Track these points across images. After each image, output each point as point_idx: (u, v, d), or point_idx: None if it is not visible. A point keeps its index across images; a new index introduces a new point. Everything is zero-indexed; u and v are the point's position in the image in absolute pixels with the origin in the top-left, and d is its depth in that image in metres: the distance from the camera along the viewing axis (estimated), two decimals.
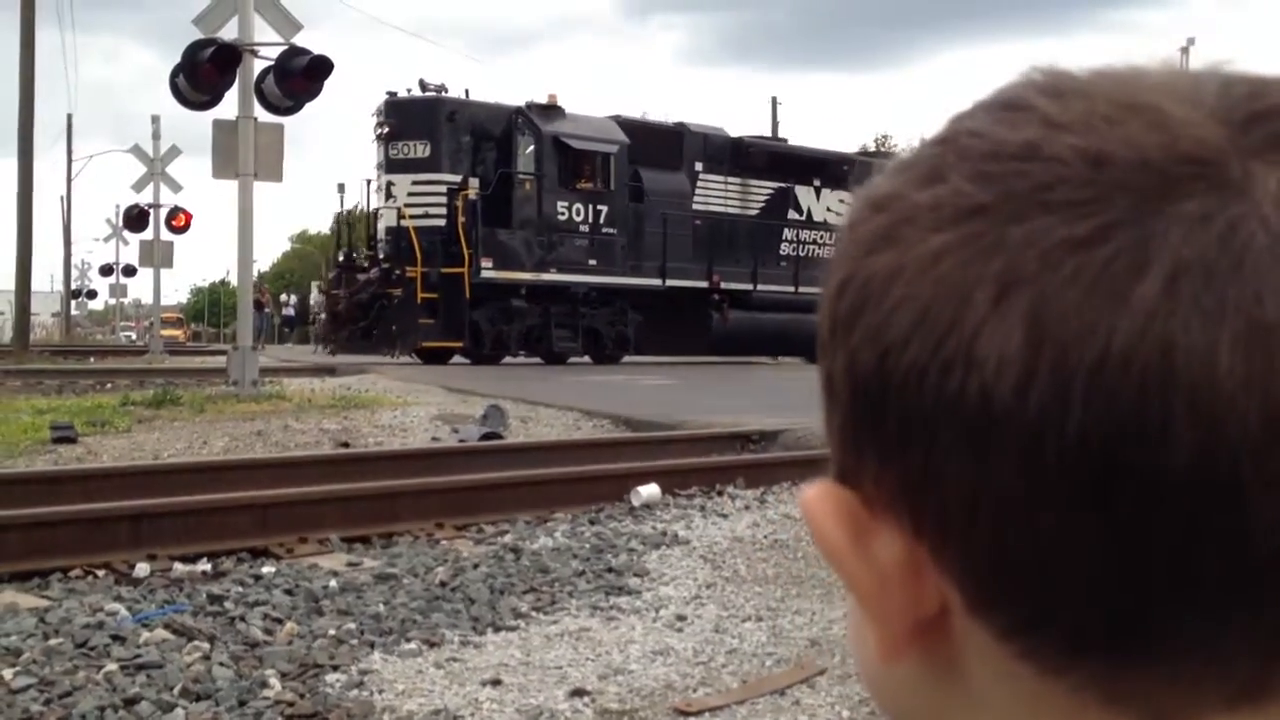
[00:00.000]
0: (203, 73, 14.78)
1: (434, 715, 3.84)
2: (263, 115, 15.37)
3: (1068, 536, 0.35)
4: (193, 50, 14.84)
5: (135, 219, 31.01)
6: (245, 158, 15.12)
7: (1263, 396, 0.33)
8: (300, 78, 14.90)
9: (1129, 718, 0.38)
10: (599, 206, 23.65)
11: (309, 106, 15.46)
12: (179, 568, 5.79)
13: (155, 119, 31.15)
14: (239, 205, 15.44)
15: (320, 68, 14.91)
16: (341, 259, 23.54)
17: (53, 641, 4.47)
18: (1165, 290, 0.34)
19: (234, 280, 21.47)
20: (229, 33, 15.18)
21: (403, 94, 22.74)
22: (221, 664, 4.28)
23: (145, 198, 30.77)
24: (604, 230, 23.70)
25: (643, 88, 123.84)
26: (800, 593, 5.42)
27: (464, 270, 21.39)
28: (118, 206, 45.34)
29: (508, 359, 23.27)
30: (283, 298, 44.50)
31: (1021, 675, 0.39)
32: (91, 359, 29.19)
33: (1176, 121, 0.36)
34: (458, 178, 22.04)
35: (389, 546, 6.46)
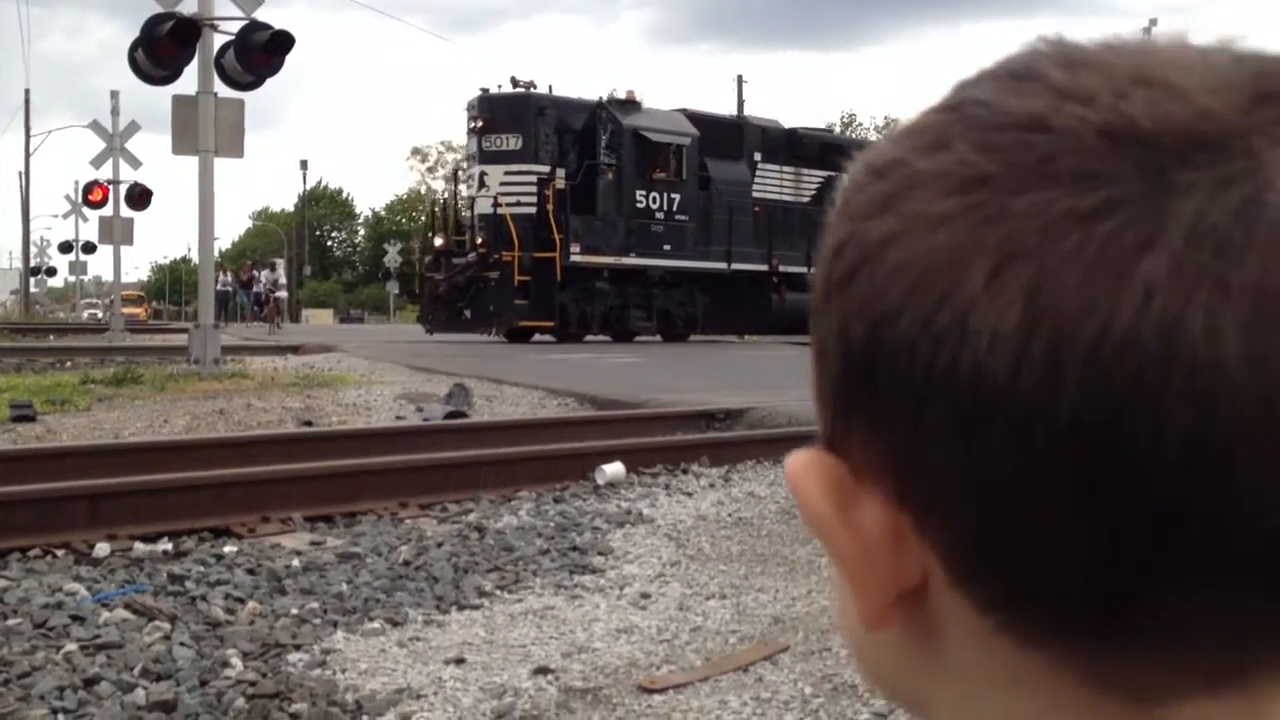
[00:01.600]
0: (162, 47, 14.62)
1: (397, 694, 3.82)
2: (223, 90, 15.23)
3: (1054, 515, 0.35)
4: (152, 24, 14.67)
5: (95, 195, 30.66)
6: (205, 133, 14.98)
7: (1264, 376, 0.33)
8: (261, 53, 14.75)
9: (1107, 695, 0.38)
10: (672, 195, 25.38)
11: (270, 82, 15.31)
12: (139, 547, 5.75)
13: (115, 94, 30.75)
14: (199, 181, 15.29)
15: (281, 43, 14.77)
16: (439, 244, 24.61)
17: (11, 622, 4.42)
18: (1171, 267, 0.33)
19: (195, 257, 21.33)
20: (189, 7, 15.01)
21: (494, 90, 24.31)
22: (182, 644, 4.25)
23: (105, 174, 30.43)
24: (677, 217, 25.49)
25: (611, 66, 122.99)
26: (764, 570, 5.44)
27: (555, 255, 22.90)
28: (77, 183, 44.69)
29: (588, 337, 24.67)
30: (257, 274, 43.00)
31: (1000, 648, 0.38)
32: (51, 336, 28.88)
33: (1187, 96, 0.35)
34: (546, 168, 23.46)
35: (352, 525, 6.44)
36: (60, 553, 5.63)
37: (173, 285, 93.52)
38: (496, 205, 23.21)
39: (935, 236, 0.36)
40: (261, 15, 15.03)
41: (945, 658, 0.41)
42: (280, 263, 37.95)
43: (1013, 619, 0.37)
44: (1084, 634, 0.36)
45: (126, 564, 5.48)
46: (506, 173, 23.53)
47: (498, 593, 5.06)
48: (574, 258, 23.62)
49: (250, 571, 5.28)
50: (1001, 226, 0.35)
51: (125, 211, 30.60)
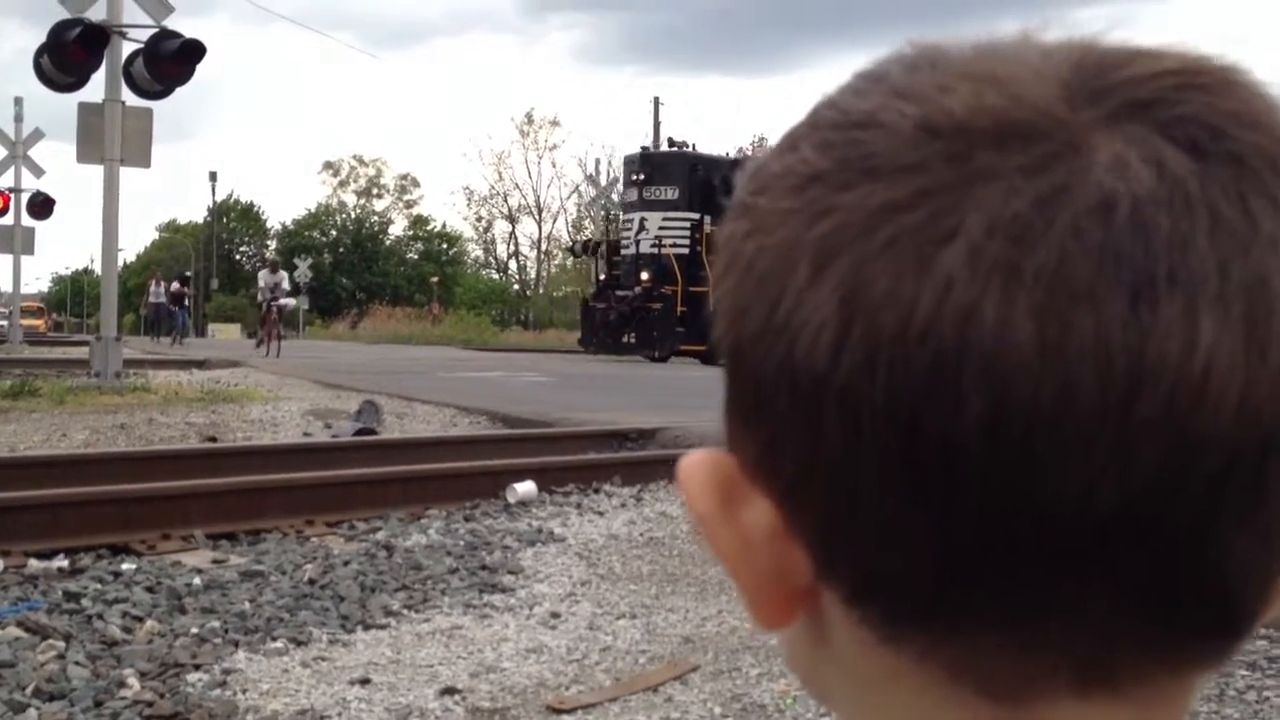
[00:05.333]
0: (69, 53, 14.30)
1: (300, 715, 3.75)
2: (131, 99, 14.92)
3: (882, 501, 0.35)
4: (59, 30, 14.35)
5: None
6: (112, 142, 14.67)
7: (1057, 365, 0.33)
8: (171, 62, 14.50)
9: (968, 693, 0.38)
10: None
11: (186, 93, 15.06)
12: (34, 564, 5.57)
13: (18, 100, 30.07)
14: (104, 191, 14.96)
15: (192, 52, 14.53)
16: (603, 278, 29.02)
17: None
18: (969, 257, 0.33)
19: (98, 269, 20.90)
20: (98, 13, 14.71)
21: (653, 148, 29.55)
22: (77, 663, 4.13)
23: (6, 181, 29.68)
24: None
25: (537, 86, 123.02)
26: (675, 590, 5.43)
27: (708, 290, 25.88)
28: None
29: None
30: (153, 286, 40.02)
31: (869, 642, 0.39)
32: None
33: (1012, 88, 0.35)
34: (698, 215, 27.08)
35: (256, 543, 6.31)
36: None
37: (74, 297, 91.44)
38: (659, 246, 26.96)
39: (775, 235, 0.37)
40: (179, 26, 14.81)
41: (833, 652, 0.42)
42: (278, 261, 31.30)
43: (868, 612, 0.38)
44: (929, 626, 0.37)
45: (20, 581, 5.31)
46: (664, 219, 27.45)
47: (405, 612, 4.99)
48: None
49: (149, 589, 5.15)
50: (827, 222, 0.36)
51: (26, 220, 29.86)
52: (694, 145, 29.16)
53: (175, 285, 36.88)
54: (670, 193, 27.71)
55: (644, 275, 27.05)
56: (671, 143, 29.68)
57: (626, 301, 27.15)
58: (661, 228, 27.41)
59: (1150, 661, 0.37)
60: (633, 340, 27.01)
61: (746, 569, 0.40)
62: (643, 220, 27.88)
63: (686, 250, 26.91)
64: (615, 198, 30.57)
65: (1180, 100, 0.35)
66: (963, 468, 0.34)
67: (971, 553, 0.35)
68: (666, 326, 26.36)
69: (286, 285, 27.73)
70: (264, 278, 27.93)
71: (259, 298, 27.67)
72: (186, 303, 36.35)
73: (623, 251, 28.81)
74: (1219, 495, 0.33)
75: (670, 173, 27.88)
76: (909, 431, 0.34)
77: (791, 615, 0.41)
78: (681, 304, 26.31)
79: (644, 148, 29.20)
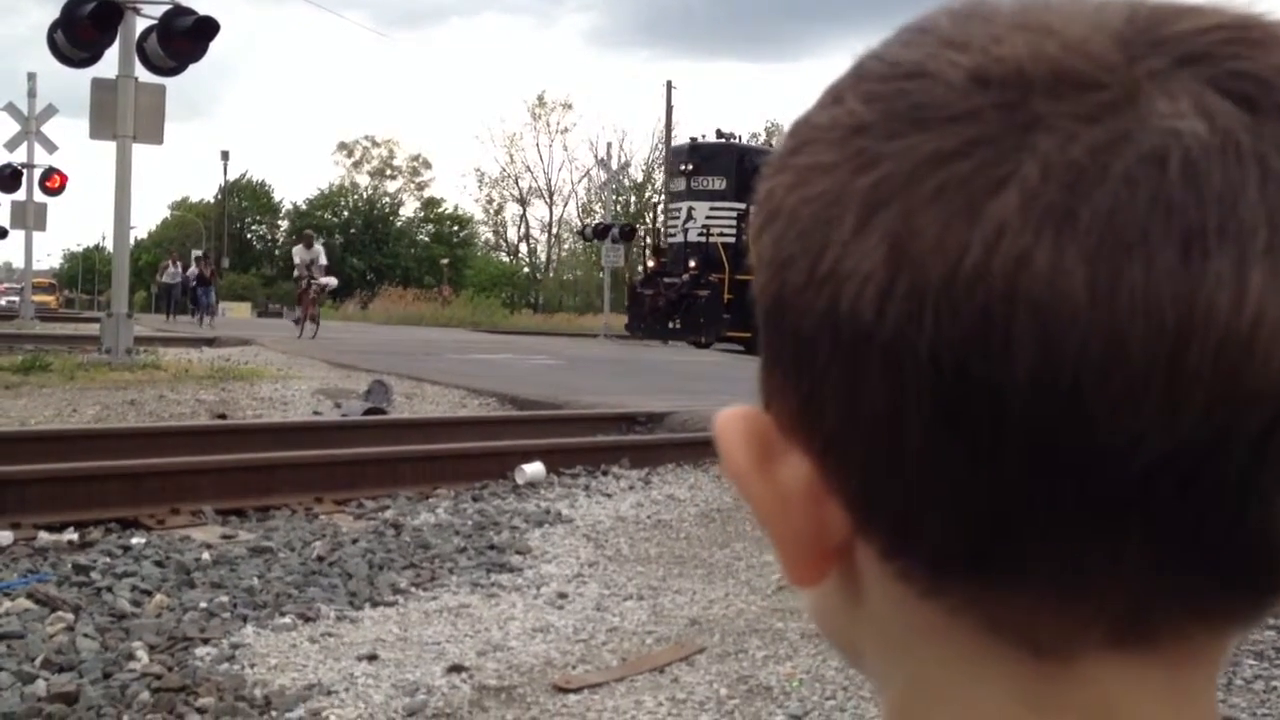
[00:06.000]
0: (82, 29, 14.27)
1: (307, 690, 3.76)
2: (144, 75, 14.92)
3: (928, 454, 0.35)
4: (72, 5, 14.31)
5: (8, 179, 29.89)
6: (124, 118, 14.66)
7: (1108, 315, 0.33)
8: (184, 38, 14.46)
9: (1007, 647, 0.38)
10: None
11: (200, 71, 15.05)
12: (44, 537, 5.60)
13: (31, 76, 30.01)
14: (117, 167, 14.95)
15: (206, 29, 14.50)
16: (651, 265, 29.98)
17: None
18: (1021, 204, 0.33)
19: (110, 245, 20.94)
20: None
21: (701, 140, 29.75)
22: (86, 635, 4.15)
23: (19, 157, 29.68)
24: None
25: (549, 69, 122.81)
26: (682, 572, 5.44)
27: (753, 277, 28.11)
28: None
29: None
30: (170, 266, 38.04)
31: (905, 597, 0.39)
32: None
33: (1067, 39, 0.35)
34: (744, 205, 27.11)
35: (265, 520, 6.33)
36: None
37: (86, 274, 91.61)
38: (707, 235, 27.70)
39: (820, 185, 0.37)
40: (193, 3, 14.76)
41: (868, 609, 0.41)
42: (313, 235, 26.64)
43: (908, 565, 0.38)
44: (969, 578, 0.37)
45: (30, 553, 5.34)
46: (712, 208, 28.18)
47: (413, 590, 5.00)
48: None
49: (158, 564, 5.17)
50: (874, 173, 0.36)
51: (39, 196, 29.89)
52: (740, 136, 30.15)
53: (202, 265, 35.83)
54: (718, 183, 28.37)
55: (691, 263, 27.72)
56: (719, 134, 30.42)
57: (674, 288, 27.80)
58: (709, 217, 28.13)
59: (1188, 616, 0.37)
60: (678, 326, 27.67)
61: (782, 525, 0.40)
62: (690, 209, 28.62)
63: (733, 239, 27.44)
64: (626, 182, 31.07)
65: (1231, 55, 0.35)
66: (1010, 417, 0.34)
67: (1016, 503, 0.35)
68: (713, 313, 26.97)
69: (324, 260, 24.23)
70: (299, 253, 24.04)
71: (295, 274, 24.37)
72: (213, 283, 35.33)
73: (669, 240, 29.66)
74: (1263, 449, 0.33)
75: (718, 163, 28.54)
76: (956, 381, 0.34)
77: (825, 573, 0.41)
78: (728, 291, 26.88)
79: (692, 139, 29.85)
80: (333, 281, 24.96)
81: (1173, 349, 0.32)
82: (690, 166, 29.02)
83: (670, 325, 27.94)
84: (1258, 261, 0.32)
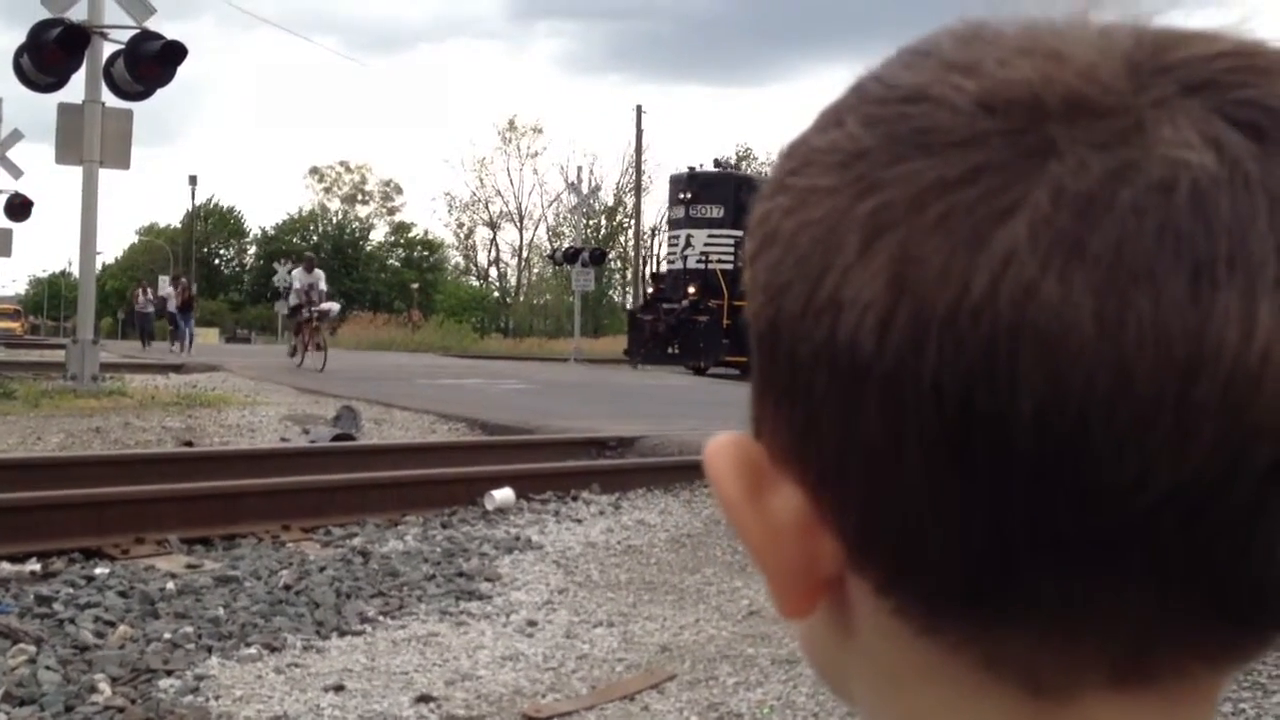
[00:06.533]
0: (49, 54, 14.22)
1: None
2: (111, 100, 14.85)
3: (927, 487, 0.34)
4: (39, 29, 14.26)
5: None
6: (91, 143, 14.59)
7: (1115, 347, 0.32)
8: (152, 63, 14.43)
9: (1007, 685, 0.37)
10: None
11: (168, 95, 15.00)
12: (5, 567, 5.52)
13: None
14: (83, 192, 14.87)
15: (173, 54, 14.47)
16: (650, 292, 30.46)
17: None
18: (1030, 233, 0.33)
19: (76, 271, 20.79)
20: (79, 14, 14.63)
21: (699, 169, 30.32)
22: (48, 667, 4.09)
23: None
24: None
25: (520, 93, 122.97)
26: (652, 598, 5.41)
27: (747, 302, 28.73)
28: None
29: None
30: (141, 295, 36.64)
31: (901, 634, 0.38)
32: None
33: (1073, 65, 0.35)
34: (741, 232, 27.30)
35: (231, 548, 6.27)
36: None
37: (51, 299, 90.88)
38: (706, 261, 28.15)
39: (819, 210, 0.36)
40: (163, 29, 14.74)
41: (859, 642, 0.41)
42: (313, 257, 23.85)
43: (905, 601, 0.37)
44: (969, 616, 0.36)
45: None
46: (710, 235, 28.57)
47: (381, 619, 4.96)
48: None
49: (122, 594, 5.10)
50: (875, 198, 0.35)
51: (4, 222, 29.64)
52: (737, 164, 31.24)
53: (183, 290, 33.78)
54: (716, 211, 29.03)
55: (691, 289, 28.28)
56: (717, 163, 31.49)
57: (674, 314, 28.23)
58: (707, 244, 28.67)
59: (1189, 653, 0.36)
60: (677, 351, 28.16)
61: (773, 557, 0.39)
62: (689, 237, 29.23)
63: (731, 265, 27.97)
64: (597, 206, 31.59)
65: (1238, 83, 0.34)
66: (1014, 450, 0.33)
67: (1017, 538, 0.34)
68: (713, 338, 27.47)
69: (324, 285, 21.84)
70: (298, 277, 22.02)
71: (292, 300, 22.06)
72: (170, 306, 33.85)
73: (669, 266, 30.14)
74: (1269, 484, 0.33)
75: (716, 192, 29.30)
76: (959, 413, 0.33)
77: (815, 604, 0.40)
78: (726, 317, 27.40)
79: (691, 168, 30.62)
80: (335, 307, 23.01)
81: (1181, 382, 0.32)
82: (689, 195, 29.62)
83: (669, 350, 28.39)
84: (1267, 294, 0.32)
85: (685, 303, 28.28)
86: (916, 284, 0.34)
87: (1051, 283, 0.32)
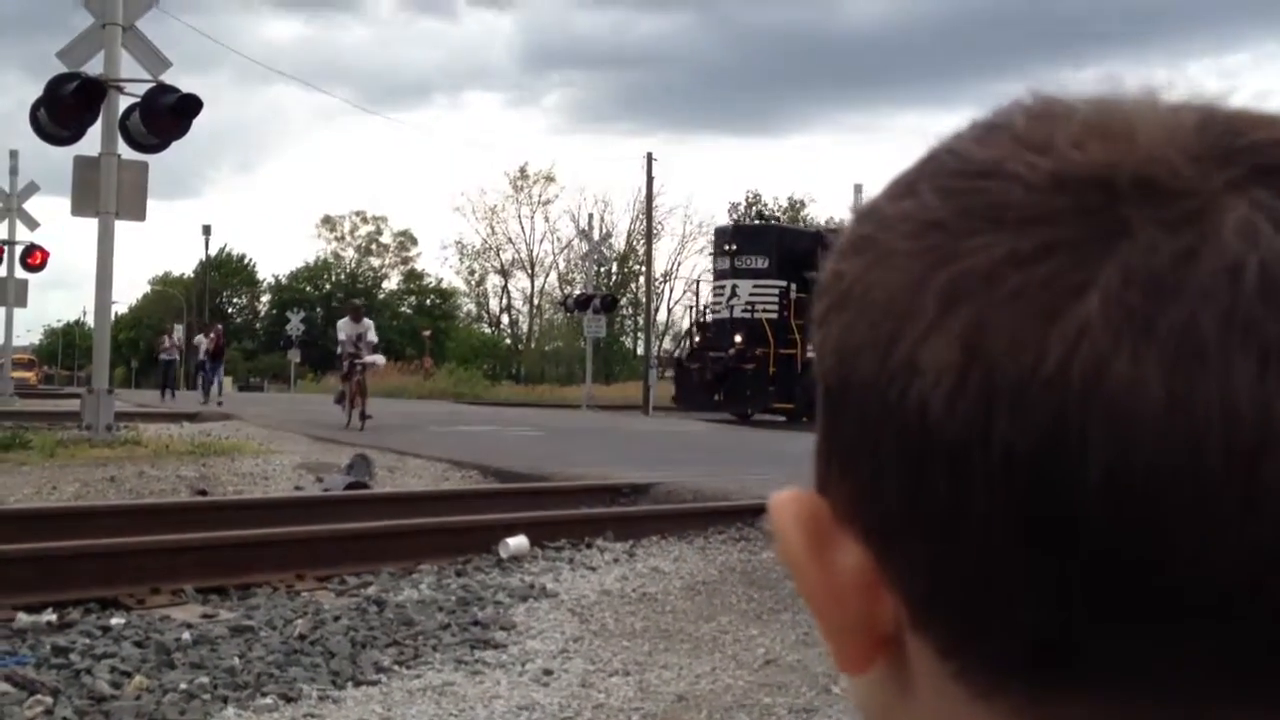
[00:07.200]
0: (65, 107, 14.36)
1: None
2: (126, 153, 14.99)
3: (993, 553, 0.35)
4: (56, 83, 14.42)
5: None
6: (106, 195, 14.71)
7: (1185, 421, 0.33)
8: (167, 115, 14.57)
9: None
10: None
11: (184, 149, 15.13)
12: (22, 618, 5.53)
13: (14, 154, 30.15)
14: (99, 244, 14.98)
15: (188, 106, 14.61)
16: (697, 340, 31.66)
17: None
18: (1102, 309, 0.34)
19: (90, 321, 20.87)
20: (95, 68, 14.80)
21: (744, 221, 32.49)
22: (65, 718, 4.09)
23: (0, 234, 29.68)
24: None
25: (531, 142, 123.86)
26: (668, 647, 5.39)
27: (796, 352, 28.23)
28: None
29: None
30: (166, 342, 34.39)
31: (961, 697, 0.38)
32: None
33: (1144, 146, 0.36)
34: (785, 283, 29.63)
35: (246, 598, 6.27)
36: None
37: (66, 349, 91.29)
38: (752, 311, 29.38)
39: (894, 276, 0.37)
40: (181, 83, 14.88)
41: (918, 701, 0.40)
42: (360, 306, 21.75)
43: (966, 665, 0.37)
44: (1027, 680, 0.36)
45: (8, 635, 5.27)
46: (755, 285, 29.87)
47: (396, 668, 4.95)
48: (809, 354, 30.71)
49: (138, 644, 5.10)
50: (951, 268, 0.36)
51: (20, 273, 29.85)
52: (777, 218, 33.08)
53: (216, 337, 31.76)
54: (761, 262, 30.19)
55: (738, 337, 29.23)
56: (760, 216, 34.68)
57: (720, 362, 29.21)
58: (753, 294, 29.84)
59: (1246, 710, 0.36)
60: (723, 399, 28.95)
61: (833, 613, 0.40)
62: (734, 287, 30.29)
63: (775, 315, 29.20)
64: (608, 253, 32.74)
65: None
66: (1081, 520, 0.33)
67: (1082, 607, 0.34)
68: (759, 386, 28.49)
69: (373, 337, 19.90)
70: (344, 328, 19.98)
71: (339, 351, 20.25)
72: (225, 357, 32.28)
73: (712, 315, 31.32)
74: None
75: (760, 244, 30.75)
76: (1027, 482, 0.34)
77: (874, 661, 0.41)
78: (772, 365, 28.45)
79: (735, 220, 33.42)
80: (380, 360, 20.75)
81: (1248, 460, 0.32)
82: (734, 246, 30.81)
83: (715, 398, 29.13)
84: None
85: (732, 351, 29.18)
86: (990, 353, 0.34)
87: (1124, 358, 0.33)
